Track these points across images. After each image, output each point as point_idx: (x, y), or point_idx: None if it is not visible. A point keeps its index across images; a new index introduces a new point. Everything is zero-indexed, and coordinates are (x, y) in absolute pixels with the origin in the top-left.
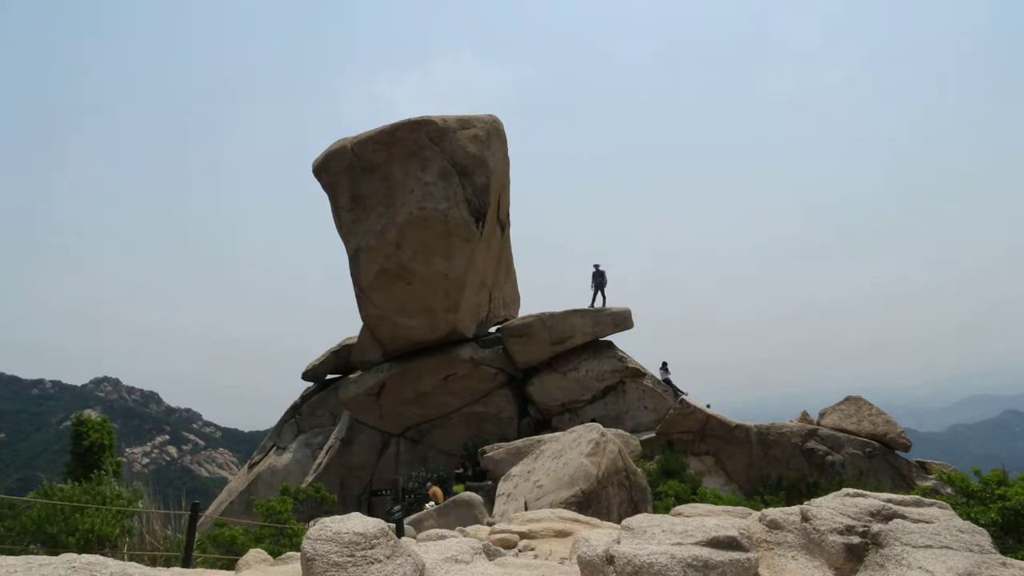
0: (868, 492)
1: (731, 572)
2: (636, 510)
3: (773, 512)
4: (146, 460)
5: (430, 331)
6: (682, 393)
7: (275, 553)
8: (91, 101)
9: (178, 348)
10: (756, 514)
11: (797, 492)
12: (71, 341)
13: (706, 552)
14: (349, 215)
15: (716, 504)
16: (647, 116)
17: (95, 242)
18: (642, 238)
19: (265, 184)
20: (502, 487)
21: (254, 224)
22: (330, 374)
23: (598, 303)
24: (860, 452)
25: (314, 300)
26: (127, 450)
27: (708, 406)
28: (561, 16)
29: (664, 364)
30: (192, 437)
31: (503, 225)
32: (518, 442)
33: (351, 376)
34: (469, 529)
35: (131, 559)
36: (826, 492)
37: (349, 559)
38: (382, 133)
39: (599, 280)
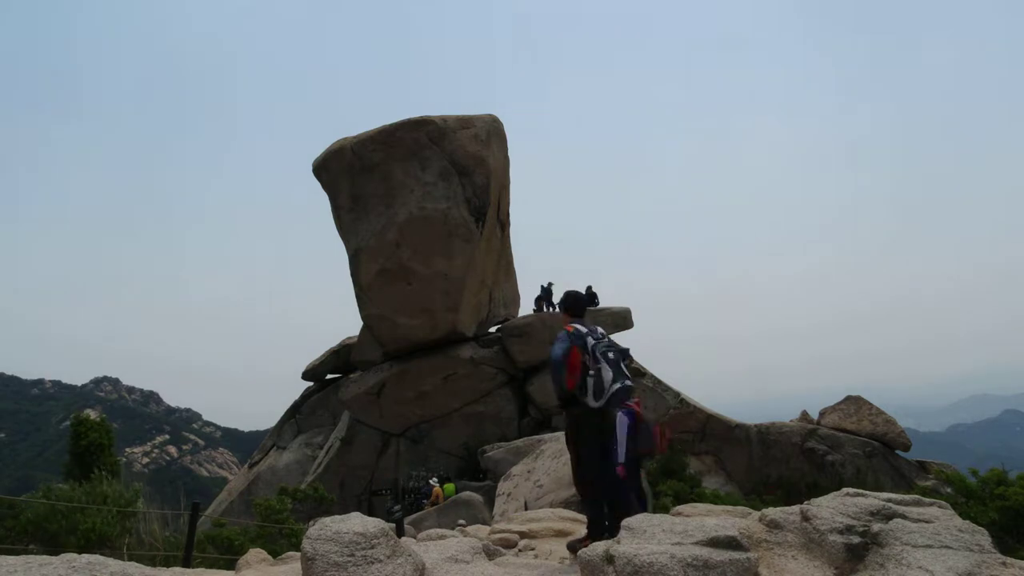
0: (868, 492)
1: (731, 572)
2: None
3: (773, 512)
4: (146, 460)
5: (430, 331)
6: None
7: (275, 553)
8: (85, 93)
9: (178, 347)
10: (756, 514)
11: (797, 492)
12: (71, 341)
13: (706, 552)
14: (349, 215)
15: (716, 504)
16: (647, 114)
17: (95, 241)
18: (643, 237)
19: (265, 182)
20: (502, 487)
21: (254, 222)
22: (330, 374)
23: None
24: (860, 452)
25: (314, 300)
26: (127, 450)
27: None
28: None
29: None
30: (192, 437)
31: (503, 225)
32: (518, 442)
33: (351, 376)
34: (469, 529)
35: (131, 559)
36: (826, 492)
37: (349, 559)
38: (382, 133)
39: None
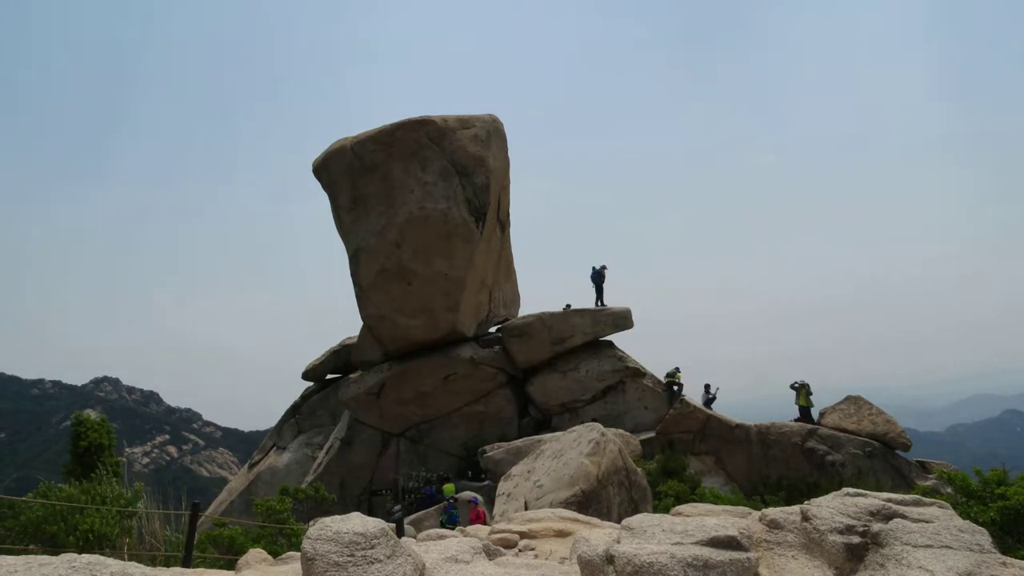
0: (868, 492)
1: (731, 572)
2: (636, 510)
3: (773, 512)
4: (146, 460)
5: (430, 331)
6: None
7: (275, 553)
8: (84, 93)
9: (178, 347)
10: (756, 514)
11: (797, 492)
12: (71, 341)
13: (706, 552)
14: (349, 215)
15: (716, 504)
16: (648, 116)
17: (94, 241)
18: (643, 236)
19: (266, 183)
20: (502, 487)
21: (254, 222)
22: (330, 374)
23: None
24: (860, 452)
25: (314, 300)
26: (127, 450)
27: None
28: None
29: (706, 386)
30: (192, 437)
31: (503, 225)
32: (518, 442)
33: (351, 376)
34: (469, 529)
35: (131, 559)
36: (826, 492)
37: (349, 559)
38: (382, 133)
39: (598, 279)
